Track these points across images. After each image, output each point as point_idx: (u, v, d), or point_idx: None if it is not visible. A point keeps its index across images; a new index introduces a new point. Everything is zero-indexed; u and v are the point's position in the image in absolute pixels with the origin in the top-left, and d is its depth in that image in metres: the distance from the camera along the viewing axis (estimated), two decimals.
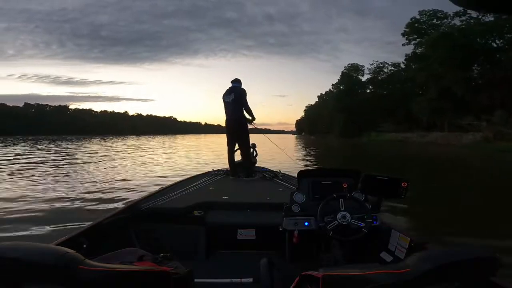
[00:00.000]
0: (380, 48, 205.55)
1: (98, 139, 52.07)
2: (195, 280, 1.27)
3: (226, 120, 4.36)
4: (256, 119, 4.52)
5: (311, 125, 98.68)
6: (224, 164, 4.62)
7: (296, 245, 2.03)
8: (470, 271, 0.81)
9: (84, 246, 1.72)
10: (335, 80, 70.92)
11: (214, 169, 4.35)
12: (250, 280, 1.85)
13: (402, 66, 53.58)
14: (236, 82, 4.40)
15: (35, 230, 4.11)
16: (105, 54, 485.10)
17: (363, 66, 62.78)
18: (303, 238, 2.02)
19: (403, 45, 45.78)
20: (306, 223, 2.02)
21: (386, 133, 46.68)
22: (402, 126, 45.47)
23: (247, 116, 4.41)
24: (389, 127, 47.99)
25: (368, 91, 61.98)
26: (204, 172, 4.35)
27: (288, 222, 2.04)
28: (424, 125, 40.63)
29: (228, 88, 4.40)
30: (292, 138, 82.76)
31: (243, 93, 4.32)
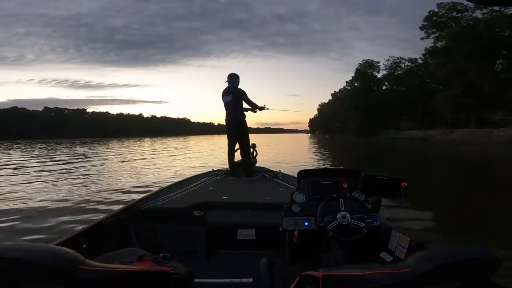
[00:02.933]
0: (393, 45, 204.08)
1: (115, 141, 51.87)
2: (195, 280, 1.27)
3: (226, 120, 4.37)
4: (259, 107, 4.49)
5: (326, 124, 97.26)
6: (225, 164, 4.61)
7: (296, 245, 2.03)
8: (470, 271, 0.81)
9: (84, 246, 1.73)
10: (348, 78, 70.21)
11: (214, 169, 4.36)
12: (250, 280, 1.85)
13: (420, 61, 52.47)
14: (233, 80, 4.34)
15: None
16: (121, 57, 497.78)
17: (378, 62, 61.76)
18: (303, 238, 2.02)
19: (421, 39, 44.68)
20: (306, 223, 2.02)
21: (405, 131, 45.36)
22: (423, 123, 44.16)
23: (255, 108, 4.43)
24: (408, 125, 46.77)
25: (384, 87, 60.91)
26: (204, 172, 4.36)
27: (288, 222, 2.03)
28: (448, 121, 39.10)
29: (225, 88, 4.36)
30: (305, 137, 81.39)
31: (242, 94, 4.30)
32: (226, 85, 4.38)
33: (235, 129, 4.33)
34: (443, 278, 0.76)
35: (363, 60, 64.01)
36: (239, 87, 4.37)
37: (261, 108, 4.50)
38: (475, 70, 32.64)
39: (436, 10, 41.55)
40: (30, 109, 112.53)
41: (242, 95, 4.29)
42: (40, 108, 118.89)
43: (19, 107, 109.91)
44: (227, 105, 4.32)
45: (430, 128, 40.90)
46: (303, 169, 2.34)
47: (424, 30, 43.44)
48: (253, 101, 4.39)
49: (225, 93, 4.34)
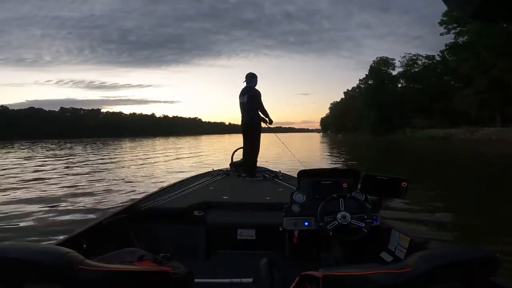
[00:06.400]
0: (406, 43, 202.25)
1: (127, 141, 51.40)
2: (195, 280, 1.28)
3: (241, 121, 4.40)
4: (272, 121, 4.48)
5: (338, 123, 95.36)
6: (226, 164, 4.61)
7: (296, 245, 2.04)
8: (470, 271, 0.81)
9: (84, 246, 1.73)
10: (360, 76, 68.71)
11: (214, 169, 4.36)
12: (250, 280, 1.85)
13: (438, 58, 51.10)
14: (251, 80, 4.34)
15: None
16: (134, 58, 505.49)
17: (393, 59, 60.29)
18: (303, 238, 2.03)
19: (441, 34, 42.54)
20: (306, 223, 2.01)
21: (423, 129, 43.92)
22: (441, 121, 42.72)
23: (262, 116, 4.39)
24: (425, 123, 45.37)
25: (399, 85, 59.59)
26: (204, 172, 4.36)
27: (288, 222, 2.03)
28: (472, 119, 37.22)
29: (243, 88, 4.37)
30: (317, 136, 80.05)
31: (257, 94, 4.29)
32: (244, 84, 4.38)
33: (248, 130, 4.35)
34: (443, 278, 0.76)
35: (377, 58, 62.75)
36: (256, 87, 4.38)
37: (267, 121, 4.45)
38: (501, 66, 31.16)
39: None
40: (47, 109, 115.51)
41: (256, 98, 4.28)
42: (57, 109, 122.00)
43: (36, 107, 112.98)
44: (242, 105, 4.34)
45: (450, 127, 39.30)
46: (303, 169, 2.33)
47: (444, 25, 41.41)
48: (266, 109, 4.37)
49: (242, 93, 4.36)
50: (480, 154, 18.26)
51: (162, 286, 0.86)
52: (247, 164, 4.25)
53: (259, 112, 4.35)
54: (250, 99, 4.25)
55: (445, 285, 0.77)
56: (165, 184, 3.66)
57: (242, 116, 4.37)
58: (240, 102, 4.38)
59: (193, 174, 4.39)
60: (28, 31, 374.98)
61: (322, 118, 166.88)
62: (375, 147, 27.91)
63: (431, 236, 3.76)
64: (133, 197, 5.90)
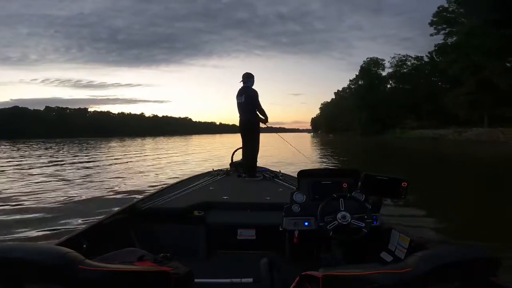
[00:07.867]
0: (396, 44, 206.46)
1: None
2: (195, 280, 1.27)
3: (239, 121, 4.39)
4: (268, 120, 4.48)
5: (328, 123, 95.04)
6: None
7: (296, 245, 2.04)
8: (470, 271, 0.81)
9: (84, 246, 1.73)
10: (351, 77, 69.03)
11: (214, 169, 4.36)
12: (250, 280, 1.85)
13: (426, 59, 51.85)
14: (248, 80, 4.33)
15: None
16: (123, 57, 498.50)
17: (383, 60, 60.60)
18: (303, 238, 2.02)
19: (431, 35, 42.88)
20: (306, 223, 2.02)
21: (412, 130, 44.38)
22: (430, 122, 43.15)
23: (260, 116, 4.39)
24: (414, 124, 45.91)
25: (388, 86, 60.07)
26: (204, 172, 4.37)
27: (288, 222, 2.04)
28: (461, 120, 37.24)
29: (240, 88, 4.36)
30: (308, 137, 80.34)
31: (254, 94, 4.29)
32: (241, 85, 4.37)
33: (247, 130, 4.35)
34: (443, 278, 0.76)
35: (367, 58, 62.98)
36: (253, 87, 4.37)
37: (264, 120, 4.45)
38: (491, 67, 31.24)
39: (446, 5, 40.14)
40: (31, 109, 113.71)
41: (254, 98, 4.29)
42: (42, 108, 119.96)
43: (20, 106, 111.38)
44: (239, 105, 4.34)
45: (438, 127, 39.58)
46: (303, 169, 2.33)
47: (434, 26, 41.71)
48: (263, 109, 4.37)
49: (239, 94, 4.35)
50: (474, 155, 18.27)
51: (162, 286, 0.86)
52: (247, 164, 4.25)
53: (257, 112, 4.35)
54: (248, 99, 4.26)
55: (445, 285, 0.77)
56: (164, 185, 3.64)
57: (240, 116, 4.37)
58: (237, 102, 4.37)
59: (193, 174, 4.37)
60: (15, 29, 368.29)
61: (312, 118, 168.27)
62: (367, 147, 27.69)
63: (431, 236, 3.79)
64: None
